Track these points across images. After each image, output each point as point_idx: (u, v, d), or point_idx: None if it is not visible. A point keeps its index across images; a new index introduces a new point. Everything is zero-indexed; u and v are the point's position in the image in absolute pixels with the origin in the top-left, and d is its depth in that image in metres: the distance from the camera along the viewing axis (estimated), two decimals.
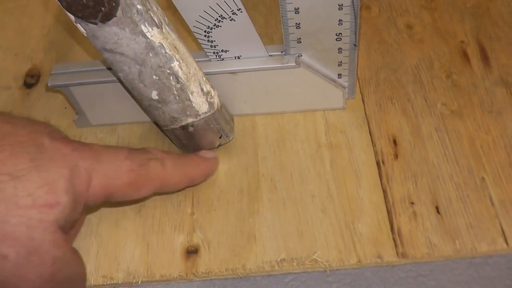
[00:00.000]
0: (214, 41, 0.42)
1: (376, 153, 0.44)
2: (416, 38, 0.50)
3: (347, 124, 0.46)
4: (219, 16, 0.39)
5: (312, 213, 0.41)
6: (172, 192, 0.44)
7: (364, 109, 0.46)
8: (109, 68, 0.45)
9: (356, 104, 0.47)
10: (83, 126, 0.49)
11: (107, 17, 0.34)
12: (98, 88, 0.45)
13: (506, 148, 0.43)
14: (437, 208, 0.40)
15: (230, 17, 0.39)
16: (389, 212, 0.41)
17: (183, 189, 0.44)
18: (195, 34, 0.41)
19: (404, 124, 0.45)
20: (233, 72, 0.43)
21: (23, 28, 0.58)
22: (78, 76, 0.45)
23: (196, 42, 0.43)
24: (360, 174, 0.43)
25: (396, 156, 0.43)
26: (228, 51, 0.43)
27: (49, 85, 0.45)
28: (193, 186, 0.44)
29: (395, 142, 0.44)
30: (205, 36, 0.41)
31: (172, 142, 0.46)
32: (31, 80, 0.54)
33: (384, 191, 0.42)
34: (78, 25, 0.36)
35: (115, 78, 0.44)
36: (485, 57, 0.48)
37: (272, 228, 0.41)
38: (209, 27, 0.40)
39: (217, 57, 0.43)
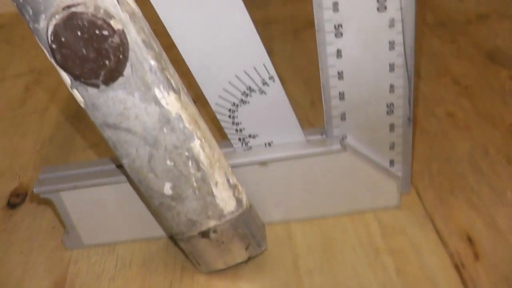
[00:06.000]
0: (240, 123, 0.32)
1: (451, 255, 0.32)
2: (460, 125, 0.41)
3: (406, 223, 0.34)
4: (247, 89, 0.30)
5: None
6: None
7: (423, 205, 0.35)
8: (112, 168, 0.34)
9: (411, 201, 0.36)
10: (73, 248, 0.37)
11: (112, 75, 0.25)
12: (93, 193, 0.34)
13: None
14: None
15: (260, 88, 0.30)
16: None
17: None
18: (217, 114, 0.31)
19: (475, 218, 0.34)
20: (263, 163, 0.33)
21: (14, 147, 0.49)
22: (69, 179, 0.34)
23: (216, 130, 0.33)
24: (437, 282, 0.30)
25: (476, 256, 0.31)
26: (257, 136, 0.33)
27: (34, 191, 0.34)
28: None
29: (470, 240, 0.33)
30: (229, 116, 0.31)
31: (188, 258, 0.34)
32: (15, 200, 0.42)
33: None
34: (75, 92, 0.26)
35: (114, 180, 0.33)
36: None
37: None
38: (234, 104, 0.31)
39: (244, 144, 0.33)
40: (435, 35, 0.54)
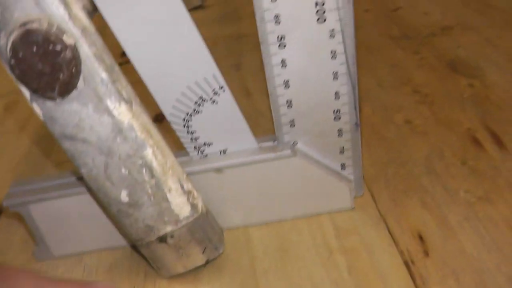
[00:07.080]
0: (195, 131, 0.34)
1: (401, 253, 0.34)
2: (418, 130, 0.43)
3: (360, 224, 0.36)
4: (199, 99, 0.33)
5: None
6: None
7: (377, 207, 0.37)
8: (77, 179, 0.36)
9: (366, 203, 0.38)
10: (44, 259, 0.38)
11: (66, 88, 0.27)
12: (60, 204, 0.36)
13: None
14: None
15: (211, 98, 0.33)
16: None
17: None
18: (172, 124, 0.34)
19: (427, 217, 0.36)
20: (219, 169, 0.35)
21: None
22: (36, 191, 0.36)
23: (174, 142, 0.36)
24: (387, 279, 0.32)
25: (426, 253, 0.33)
26: (212, 144, 0.35)
27: (4, 204, 0.36)
28: None
29: (421, 237, 0.34)
30: (184, 126, 0.34)
31: (149, 264, 0.35)
32: None
33: None
34: (34, 105, 0.28)
35: (76, 191, 0.35)
36: (498, 141, 0.41)
37: None
38: (188, 113, 0.33)
39: (199, 152, 0.35)
40: (399, 47, 0.57)
